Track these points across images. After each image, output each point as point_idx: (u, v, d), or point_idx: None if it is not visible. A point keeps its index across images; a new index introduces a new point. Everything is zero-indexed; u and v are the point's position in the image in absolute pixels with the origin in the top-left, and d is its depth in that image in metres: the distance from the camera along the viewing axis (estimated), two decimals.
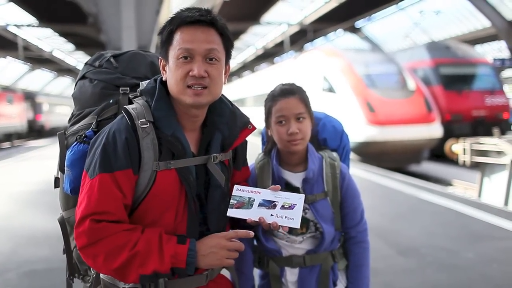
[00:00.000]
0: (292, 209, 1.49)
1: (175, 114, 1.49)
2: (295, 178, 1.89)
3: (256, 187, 1.68)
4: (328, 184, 1.88)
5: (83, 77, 1.77)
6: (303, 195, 1.55)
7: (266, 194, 1.52)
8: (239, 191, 1.52)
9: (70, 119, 1.73)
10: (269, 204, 1.49)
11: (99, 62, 1.77)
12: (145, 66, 1.76)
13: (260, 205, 1.49)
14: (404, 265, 4.58)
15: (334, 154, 1.97)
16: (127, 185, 1.40)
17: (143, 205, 1.44)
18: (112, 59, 1.76)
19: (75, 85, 1.80)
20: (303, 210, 1.84)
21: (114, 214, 1.37)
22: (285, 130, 1.81)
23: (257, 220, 1.46)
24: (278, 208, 1.49)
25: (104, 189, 1.37)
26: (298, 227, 1.48)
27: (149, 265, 1.34)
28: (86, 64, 1.82)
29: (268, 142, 1.99)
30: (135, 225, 1.42)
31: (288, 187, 1.86)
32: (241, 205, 1.50)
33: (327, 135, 2.04)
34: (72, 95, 1.80)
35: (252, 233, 1.43)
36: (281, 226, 1.47)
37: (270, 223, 1.46)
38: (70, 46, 35.92)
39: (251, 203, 1.49)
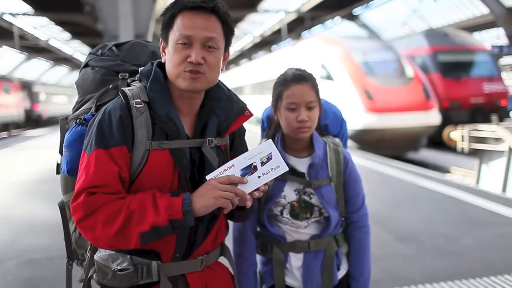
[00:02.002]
0: (272, 158, 1.46)
1: (170, 96, 1.50)
2: (300, 164, 1.89)
3: None
4: (333, 169, 1.89)
5: (86, 66, 1.81)
6: (270, 140, 1.52)
7: (239, 163, 1.45)
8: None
9: (73, 107, 1.76)
10: (250, 169, 1.44)
11: (101, 51, 1.81)
12: (146, 55, 1.78)
13: (243, 176, 1.43)
14: (403, 252, 4.61)
15: (337, 140, 1.99)
16: (123, 161, 1.42)
17: (136, 183, 1.45)
18: (114, 48, 1.81)
19: (79, 73, 1.84)
20: (308, 195, 1.86)
21: (111, 187, 1.39)
22: (294, 117, 1.80)
23: (254, 189, 1.43)
24: (260, 167, 1.44)
25: (101, 163, 1.39)
26: (287, 169, 1.45)
27: (146, 220, 1.34)
28: (89, 53, 1.87)
29: (270, 127, 1.98)
30: (128, 194, 1.43)
31: (293, 173, 1.87)
32: None
33: (328, 122, 2.05)
34: (75, 83, 1.83)
35: (246, 180, 1.40)
36: (274, 179, 1.45)
37: (265, 184, 1.44)
38: (67, 35, 35.65)
39: None
